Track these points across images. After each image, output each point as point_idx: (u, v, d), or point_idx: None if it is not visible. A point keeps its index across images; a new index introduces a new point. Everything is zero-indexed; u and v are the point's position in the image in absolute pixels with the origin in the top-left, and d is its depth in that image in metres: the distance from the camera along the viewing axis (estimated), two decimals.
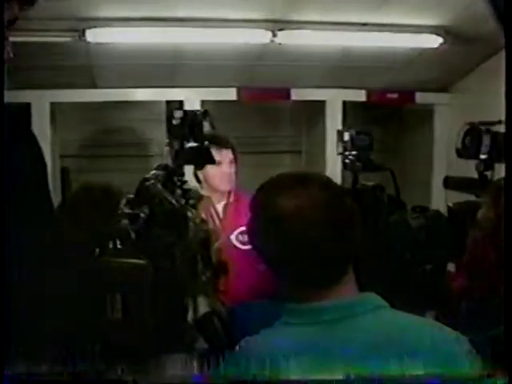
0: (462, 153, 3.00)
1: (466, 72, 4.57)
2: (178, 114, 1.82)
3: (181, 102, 4.42)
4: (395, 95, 4.88)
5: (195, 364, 1.21)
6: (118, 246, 1.36)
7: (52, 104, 4.47)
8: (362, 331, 1.11)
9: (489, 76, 4.11)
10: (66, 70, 4.06)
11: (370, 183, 2.41)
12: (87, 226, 1.57)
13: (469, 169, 3.00)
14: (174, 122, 1.81)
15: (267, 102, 5.14)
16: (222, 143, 2.68)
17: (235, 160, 2.74)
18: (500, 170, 2.71)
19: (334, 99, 4.79)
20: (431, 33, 3.91)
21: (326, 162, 4.68)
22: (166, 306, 1.40)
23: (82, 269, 1.18)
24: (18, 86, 3.82)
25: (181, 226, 1.53)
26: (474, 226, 2.30)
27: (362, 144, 2.51)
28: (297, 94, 4.78)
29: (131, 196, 1.56)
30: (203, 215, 1.89)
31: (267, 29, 3.78)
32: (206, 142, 1.86)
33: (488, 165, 2.83)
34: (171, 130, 1.84)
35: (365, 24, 3.81)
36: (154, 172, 1.70)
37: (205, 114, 1.86)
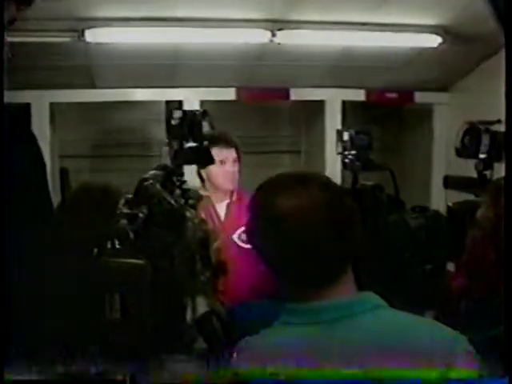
0: (461, 152, 3.00)
1: (466, 72, 4.57)
2: (177, 114, 1.82)
3: (180, 102, 4.42)
4: (394, 95, 4.88)
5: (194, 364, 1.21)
6: (117, 246, 1.36)
7: (51, 104, 4.47)
8: (361, 331, 1.11)
9: (488, 76, 4.11)
10: (66, 70, 4.06)
11: (370, 183, 2.41)
12: (86, 226, 1.57)
13: (468, 168, 3.00)
14: (173, 122, 1.81)
15: (266, 102, 5.14)
16: (225, 142, 2.70)
17: (238, 159, 2.75)
18: (499, 170, 2.72)
19: (334, 99, 4.79)
20: (430, 32, 3.91)
21: (326, 161, 4.67)
22: (165, 306, 1.40)
23: (81, 269, 1.18)
24: (17, 87, 3.82)
25: (179, 226, 1.53)
26: (474, 225, 2.30)
27: (362, 144, 2.50)
28: (296, 94, 4.78)
29: (130, 196, 1.56)
30: (203, 215, 1.89)
31: (266, 29, 3.78)
32: (206, 142, 1.86)
33: (487, 164, 2.83)
34: (170, 129, 1.84)
35: (364, 24, 3.81)
36: (152, 172, 1.70)
37: (204, 114, 1.86)
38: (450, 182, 3.43)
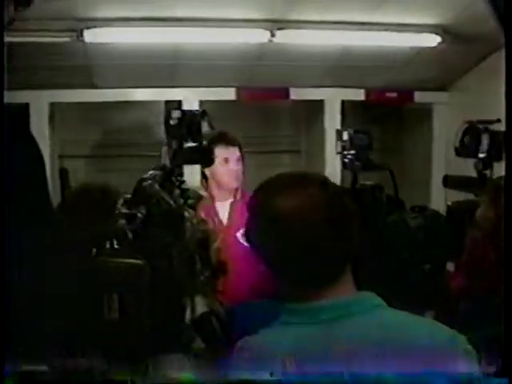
0: (460, 151, 3.00)
1: (465, 71, 4.57)
2: (176, 114, 1.82)
3: (179, 102, 4.42)
4: (394, 94, 4.88)
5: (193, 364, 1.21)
6: (115, 246, 1.36)
7: (51, 104, 4.47)
8: (360, 330, 1.11)
9: (487, 75, 4.11)
10: (65, 70, 4.06)
11: (369, 183, 2.41)
12: (85, 227, 1.57)
13: (467, 167, 3.00)
14: (172, 122, 1.81)
15: (266, 102, 5.14)
16: (229, 141, 2.73)
17: (242, 158, 2.76)
18: (499, 169, 2.72)
19: (333, 98, 4.79)
20: (430, 32, 3.91)
21: (326, 161, 4.68)
22: (164, 307, 1.40)
23: (80, 269, 1.18)
24: (16, 87, 3.82)
25: (178, 226, 1.53)
26: (473, 225, 2.30)
27: (361, 143, 2.50)
28: (296, 94, 4.78)
29: (128, 196, 1.56)
30: (203, 215, 1.88)
31: (266, 28, 3.78)
32: (205, 142, 1.86)
33: (486, 163, 2.83)
34: (169, 130, 1.84)
35: (363, 23, 3.81)
36: (151, 172, 1.69)
37: (203, 114, 1.86)
38: (449, 182, 3.43)
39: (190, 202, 1.74)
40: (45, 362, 0.97)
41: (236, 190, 2.75)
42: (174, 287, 1.48)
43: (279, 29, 3.78)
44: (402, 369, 1.03)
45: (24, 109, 4.11)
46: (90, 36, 3.61)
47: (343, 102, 4.81)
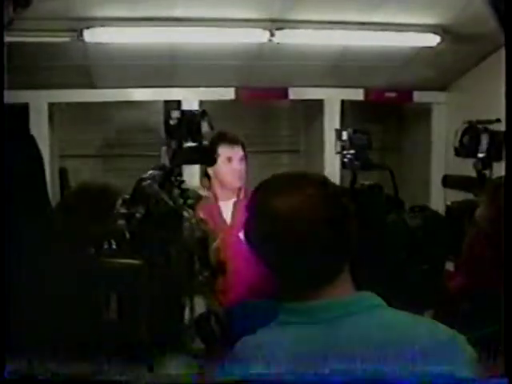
0: (460, 151, 3.01)
1: (464, 71, 4.57)
2: (176, 113, 1.82)
3: (179, 102, 4.43)
4: (393, 94, 4.88)
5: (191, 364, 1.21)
6: (113, 247, 1.36)
7: (50, 104, 4.47)
8: (359, 330, 1.11)
9: (487, 75, 4.11)
10: (64, 70, 4.05)
11: (369, 182, 2.41)
12: (83, 226, 1.57)
13: (466, 167, 3.00)
14: (172, 121, 1.81)
15: (265, 102, 5.14)
16: (232, 140, 2.73)
17: (245, 157, 2.77)
18: (498, 169, 2.72)
19: (332, 98, 4.79)
20: (429, 32, 3.91)
21: (325, 161, 4.68)
22: (163, 307, 1.40)
23: (78, 269, 1.18)
24: (15, 86, 3.81)
25: (176, 226, 1.53)
26: (472, 224, 2.30)
27: (360, 143, 2.50)
28: (295, 94, 4.77)
29: (127, 196, 1.56)
30: (204, 214, 1.88)
31: (265, 28, 3.78)
32: (204, 142, 1.86)
33: (486, 163, 2.84)
34: (169, 129, 1.84)
35: (363, 23, 3.81)
36: (150, 172, 1.69)
37: (203, 114, 1.86)
38: (449, 181, 3.44)
39: (189, 201, 1.74)
40: (43, 362, 0.97)
41: (239, 189, 2.76)
42: (173, 287, 1.48)
43: (278, 29, 3.77)
44: (402, 368, 1.03)
45: (24, 109, 4.11)
46: (90, 36, 3.61)
47: (342, 102, 4.82)
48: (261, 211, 1.17)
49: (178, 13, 3.57)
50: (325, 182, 1.20)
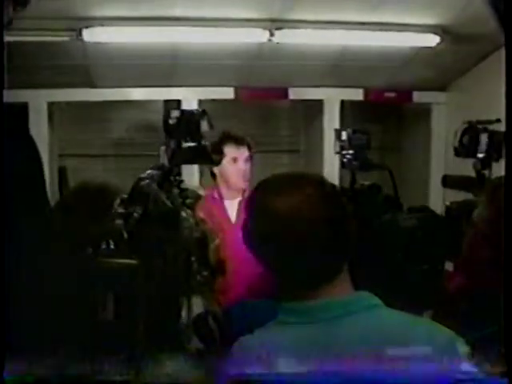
0: (459, 151, 3.00)
1: (464, 71, 4.57)
2: (175, 113, 1.82)
3: (178, 102, 4.43)
4: (393, 94, 4.89)
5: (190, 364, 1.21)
6: (111, 246, 1.36)
7: (49, 103, 4.47)
8: (357, 330, 1.11)
9: (486, 75, 4.11)
10: (64, 69, 4.05)
11: (368, 183, 2.41)
12: (82, 226, 1.57)
13: (466, 168, 3.00)
14: (171, 121, 1.81)
15: (265, 102, 5.14)
16: (238, 140, 2.75)
17: (251, 157, 2.78)
18: (498, 169, 2.72)
19: (332, 98, 4.80)
20: (429, 32, 3.91)
21: (324, 161, 4.68)
22: (160, 307, 1.40)
23: (75, 268, 1.18)
24: (14, 86, 3.81)
25: (174, 226, 1.53)
26: (471, 224, 2.30)
27: (360, 143, 2.50)
28: (294, 94, 4.78)
29: (125, 196, 1.56)
30: (205, 213, 1.88)
31: (265, 28, 3.78)
32: (207, 143, 1.86)
33: (485, 163, 2.83)
34: (168, 129, 1.84)
35: (362, 23, 3.81)
36: (149, 172, 1.69)
37: (203, 113, 1.86)
38: (449, 181, 3.43)
39: (188, 201, 1.74)
40: (43, 362, 0.97)
41: (244, 189, 2.77)
42: (171, 287, 1.48)
43: (278, 28, 3.78)
44: (400, 369, 1.03)
45: (23, 108, 4.11)
46: (89, 35, 3.61)
47: (342, 102, 4.82)
48: (260, 211, 1.17)
49: (177, 12, 3.57)
50: (323, 181, 1.20)
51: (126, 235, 1.41)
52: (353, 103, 4.94)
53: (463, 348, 1.11)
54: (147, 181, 1.60)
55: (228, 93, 4.65)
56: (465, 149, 2.97)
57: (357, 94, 4.82)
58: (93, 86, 4.43)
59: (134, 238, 1.43)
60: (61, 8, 3.33)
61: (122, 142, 5.34)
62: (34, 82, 4.10)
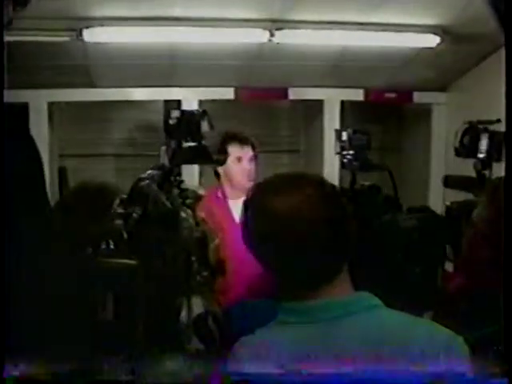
0: (460, 152, 3.01)
1: (464, 71, 4.57)
2: (175, 113, 1.82)
3: (179, 102, 4.43)
4: (393, 95, 4.89)
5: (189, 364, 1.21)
6: (111, 247, 1.36)
7: (50, 103, 4.47)
8: (357, 330, 1.11)
9: (486, 75, 4.11)
10: (64, 69, 4.05)
11: (368, 183, 2.41)
12: (82, 226, 1.57)
13: (466, 168, 3.00)
14: (171, 121, 1.81)
15: (265, 102, 5.14)
16: (242, 140, 2.75)
17: (255, 157, 2.78)
18: (498, 169, 2.72)
19: (332, 98, 4.79)
20: (429, 32, 3.91)
21: (324, 161, 4.68)
22: (160, 307, 1.40)
23: (75, 268, 1.18)
24: (15, 86, 3.81)
25: (173, 227, 1.53)
26: (470, 224, 2.30)
27: (360, 143, 2.50)
28: (294, 94, 4.78)
29: (124, 196, 1.56)
30: (208, 212, 1.88)
31: (265, 28, 3.78)
32: (205, 142, 1.86)
33: (486, 164, 2.84)
34: (168, 129, 1.84)
35: (362, 23, 3.81)
36: (149, 172, 1.69)
37: (203, 113, 1.86)
38: (450, 182, 3.43)
39: (188, 201, 1.74)
40: (42, 362, 0.97)
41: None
42: (171, 287, 1.48)
43: (278, 29, 3.78)
44: (400, 369, 1.03)
45: (23, 108, 4.11)
46: (89, 35, 3.61)
47: (342, 102, 4.82)
48: (259, 211, 1.17)
49: (177, 12, 3.57)
50: (323, 182, 1.20)
51: (125, 235, 1.41)
52: (353, 103, 4.94)
53: (463, 348, 1.11)
54: (147, 181, 1.59)
55: (228, 93, 4.65)
56: (465, 149, 2.97)
57: (357, 95, 4.82)
58: (93, 86, 4.43)
59: (133, 238, 1.43)
60: (61, 8, 3.33)
61: (122, 142, 5.34)
62: (34, 82, 4.10)
